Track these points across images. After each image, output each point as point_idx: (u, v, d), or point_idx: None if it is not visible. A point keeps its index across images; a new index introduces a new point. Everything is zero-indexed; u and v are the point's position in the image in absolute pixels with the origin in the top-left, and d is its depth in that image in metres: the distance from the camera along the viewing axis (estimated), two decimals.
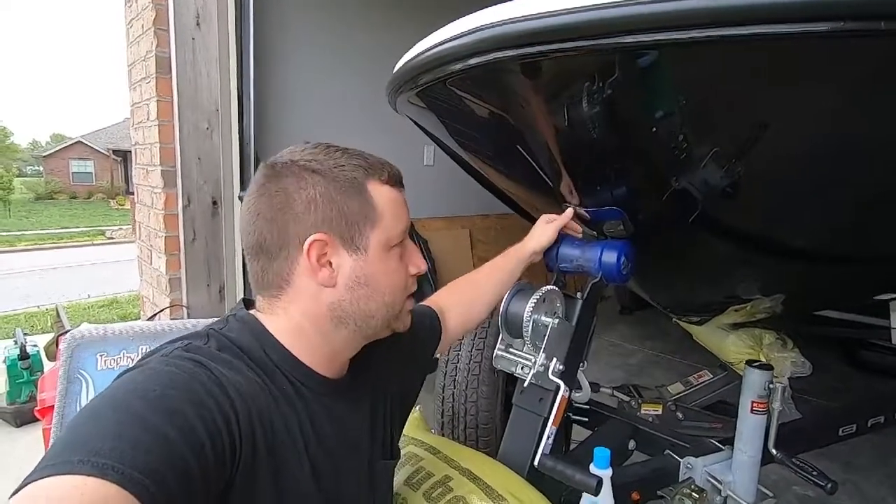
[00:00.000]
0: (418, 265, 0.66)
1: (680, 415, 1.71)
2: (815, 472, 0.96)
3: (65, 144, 27.93)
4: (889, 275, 1.39)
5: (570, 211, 1.05)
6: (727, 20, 0.63)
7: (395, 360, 0.75)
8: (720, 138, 0.88)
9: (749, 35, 0.63)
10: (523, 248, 1.01)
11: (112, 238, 13.66)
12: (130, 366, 0.52)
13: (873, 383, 2.50)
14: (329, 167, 0.59)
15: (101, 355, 1.56)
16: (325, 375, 0.62)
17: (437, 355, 1.35)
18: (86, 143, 26.89)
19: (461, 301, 0.94)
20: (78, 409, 1.50)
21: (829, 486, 0.95)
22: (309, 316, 0.60)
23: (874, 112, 0.79)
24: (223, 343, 0.57)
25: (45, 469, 0.39)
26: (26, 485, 0.38)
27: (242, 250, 0.64)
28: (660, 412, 1.71)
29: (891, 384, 2.40)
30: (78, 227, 15.67)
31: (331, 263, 0.58)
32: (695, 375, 1.92)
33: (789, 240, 1.16)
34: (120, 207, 21.69)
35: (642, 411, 1.71)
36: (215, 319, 0.65)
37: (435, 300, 0.92)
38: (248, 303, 0.65)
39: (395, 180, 0.63)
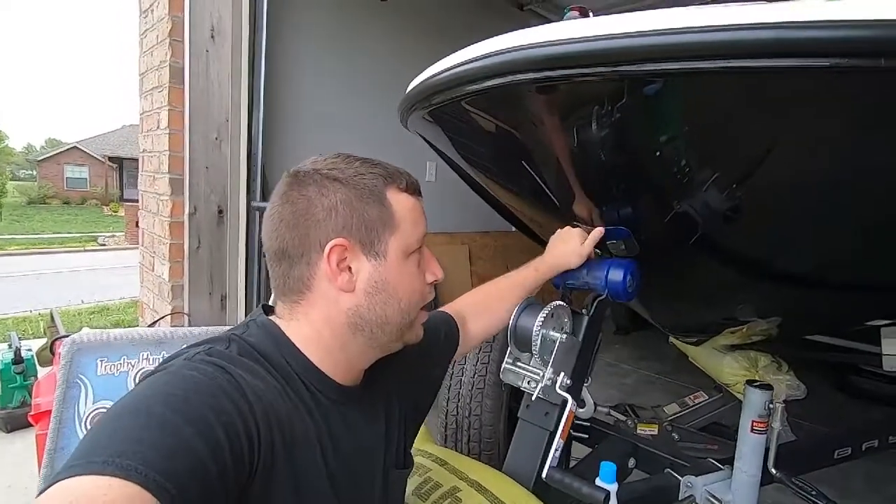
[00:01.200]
0: (435, 273, 0.66)
1: (676, 435, 1.73)
2: (814, 493, 0.98)
3: (60, 149, 27.83)
4: (880, 302, 1.43)
5: (601, 230, 1.03)
6: (730, 53, 0.66)
7: (409, 369, 0.76)
8: (720, 165, 0.92)
9: (751, 68, 0.67)
10: (553, 262, 1.02)
11: (104, 244, 13.56)
12: (152, 368, 0.53)
13: (864, 409, 2.52)
14: (350, 175, 0.61)
15: (101, 360, 1.55)
16: (342, 384, 0.63)
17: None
18: (81, 148, 26.81)
19: (484, 307, 0.95)
20: (76, 414, 1.48)
21: None
22: (328, 322, 0.61)
23: (871, 144, 0.83)
24: (244, 348, 0.58)
25: (71, 469, 0.39)
26: (52, 484, 0.39)
27: (264, 255, 0.65)
28: (656, 432, 1.73)
29: (881, 410, 2.43)
30: (70, 233, 15.53)
31: (350, 269, 0.60)
32: (690, 396, 1.94)
33: (786, 265, 1.19)
34: (113, 214, 21.56)
35: (638, 431, 1.72)
36: (228, 327, 0.66)
37: (455, 306, 0.94)
38: (268, 309, 0.66)
39: (414, 188, 0.65)
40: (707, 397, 1.92)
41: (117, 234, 14.75)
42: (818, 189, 0.94)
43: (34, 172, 28.14)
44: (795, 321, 1.56)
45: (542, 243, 1.33)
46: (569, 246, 1.02)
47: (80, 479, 0.39)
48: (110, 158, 25.92)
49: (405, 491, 0.77)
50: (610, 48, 0.71)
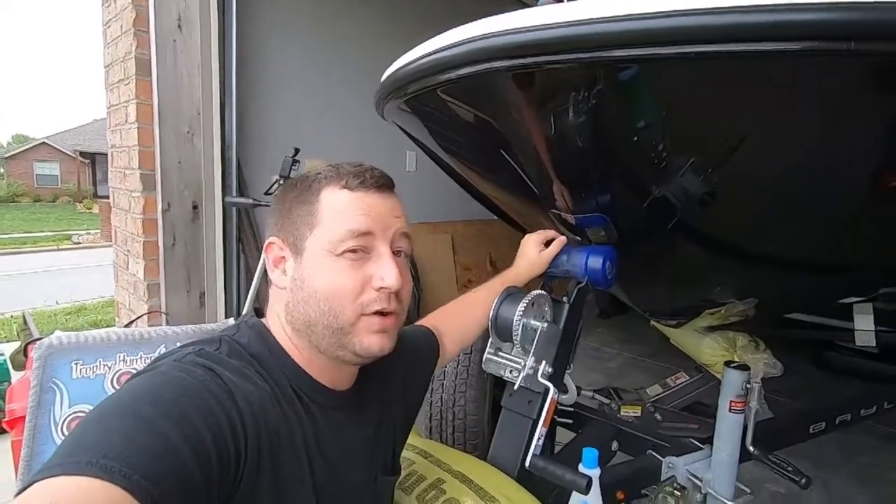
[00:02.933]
0: (383, 277, 0.59)
1: (658, 416, 1.76)
2: (790, 468, 1.01)
3: (28, 146, 26.93)
4: (852, 280, 1.46)
5: (563, 240, 1.06)
6: (702, 38, 0.66)
7: (399, 377, 0.76)
8: (695, 150, 0.92)
9: (721, 53, 0.67)
10: (515, 276, 1.03)
11: (79, 243, 13.20)
12: (142, 369, 0.52)
13: (838, 384, 2.61)
14: (303, 178, 0.63)
15: (76, 364, 1.51)
16: (331, 387, 0.63)
17: None
18: (51, 144, 25.97)
19: (457, 322, 0.95)
20: (51, 419, 1.45)
21: (804, 480, 1.00)
22: (282, 321, 0.62)
23: (841, 126, 0.84)
24: (235, 349, 0.58)
25: (53, 468, 0.39)
26: (34, 482, 0.38)
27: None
28: (639, 414, 1.76)
29: (855, 384, 2.51)
30: (42, 232, 15.09)
31: (284, 267, 0.62)
32: (672, 377, 1.97)
33: (761, 247, 1.21)
34: (87, 211, 21.00)
35: (622, 413, 1.75)
36: (210, 325, 0.65)
37: (430, 321, 0.93)
38: (259, 311, 0.67)
39: (365, 186, 0.61)
40: (688, 378, 1.96)
41: (92, 231, 14.36)
42: (790, 173, 0.96)
43: (1, 170, 27.20)
44: (771, 302, 1.59)
45: (524, 231, 1.33)
46: (528, 257, 1.04)
47: (60, 479, 0.38)
48: (82, 154, 25.15)
49: (393, 497, 0.77)
50: (583, 34, 0.70)
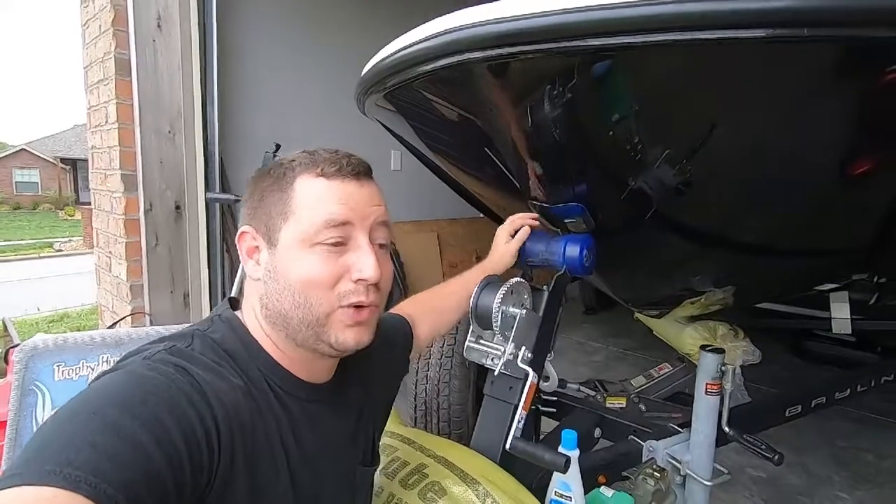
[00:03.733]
0: (361, 269, 0.57)
1: (643, 406, 1.79)
2: (762, 446, 1.04)
3: (7, 152, 26.38)
4: (825, 267, 1.51)
5: (526, 230, 1.08)
6: (671, 26, 0.68)
7: (378, 367, 0.75)
8: (669, 139, 0.95)
9: (691, 41, 0.69)
10: (491, 267, 1.05)
11: (61, 250, 12.97)
12: (109, 367, 0.50)
13: (818, 371, 2.67)
14: (277, 165, 0.61)
15: (58, 366, 1.49)
16: (308, 381, 0.61)
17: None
18: (30, 150, 25.49)
19: (431, 310, 0.95)
20: (34, 423, 1.43)
21: (776, 457, 1.02)
22: (257, 313, 0.60)
23: (808, 113, 0.87)
24: (207, 345, 0.56)
25: (13, 478, 0.37)
26: None
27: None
28: (624, 405, 1.79)
29: (833, 371, 2.58)
30: (23, 240, 14.80)
31: (258, 257, 0.59)
32: (656, 368, 2.01)
33: (737, 235, 1.25)
34: (69, 218, 20.63)
35: (607, 404, 1.78)
36: (189, 325, 0.64)
37: (404, 308, 0.92)
38: (234, 302, 0.64)
39: (342, 173, 0.59)
40: (671, 368, 1.99)
41: (74, 238, 14.12)
42: (760, 160, 0.98)
43: None
44: (748, 289, 1.63)
45: None
46: (498, 249, 1.07)
47: (24, 490, 0.36)
48: (62, 160, 24.75)
49: (372, 488, 0.76)
50: (556, 24, 0.72)
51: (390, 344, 0.81)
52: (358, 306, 0.58)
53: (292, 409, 0.59)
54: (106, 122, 1.86)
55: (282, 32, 2.55)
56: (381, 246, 0.61)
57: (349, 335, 0.58)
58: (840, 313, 1.77)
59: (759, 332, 1.99)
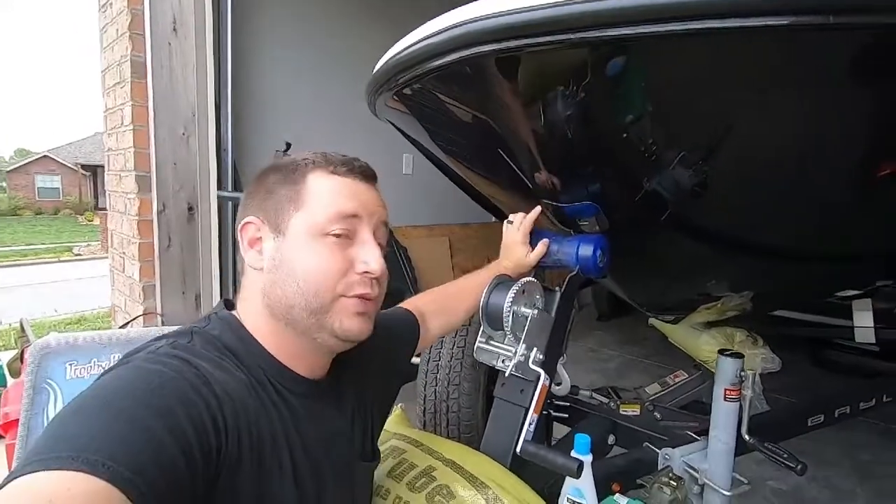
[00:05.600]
0: (367, 262, 0.59)
1: (657, 414, 1.75)
2: (785, 455, 1.00)
3: (30, 159, 27.10)
4: (847, 272, 1.46)
5: (545, 241, 1.07)
6: (685, 14, 0.66)
7: (377, 361, 0.76)
8: (686, 141, 0.92)
9: (707, 29, 0.66)
10: (509, 267, 1.04)
11: (80, 254, 13.22)
12: (113, 364, 0.51)
13: (839, 382, 2.59)
14: (288, 162, 0.63)
15: (70, 364, 1.51)
16: (305, 376, 0.62)
17: (416, 360, 1.35)
18: (52, 157, 26.14)
19: (443, 304, 0.95)
20: (45, 420, 1.44)
21: (800, 467, 0.98)
22: (256, 306, 0.61)
23: (834, 112, 0.84)
24: (208, 340, 0.57)
25: (33, 464, 0.37)
26: (12, 479, 0.37)
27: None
28: (638, 412, 1.74)
29: (855, 381, 2.49)
30: (43, 244, 15.12)
31: (262, 248, 0.61)
32: (671, 376, 1.96)
33: (756, 238, 1.21)
34: (88, 223, 21.06)
35: (621, 412, 1.74)
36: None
37: (414, 302, 0.93)
38: (230, 304, 0.65)
39: (353, 173, 0.62)
40: (687, 376, 1.94)
41: (93, 242, 14.39)
42: (782, 159, 0.95)
43: (3, 184, 27.33)
44: (768, 294, 1.59)
45: None
46: (515, 259, 1.05)
47: (41, 474, 0.37)
48: (83, 166, 25.31)
49: (372, 484, 0.76)
50: (567, 14, 0.70)
51: (392, 338, 0.81)
52: (362, 297, 0.60)
53: (292, 403, 0.60)
54: (121, 124, 1.88)
55: (295, 36, 2.58)
56: (380, 244, 0.64)
57: (354, 324, 0.60)
58: (863, 322, 1.72)
59: (777, 341, 1.94)
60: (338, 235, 0.59)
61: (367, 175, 0.64)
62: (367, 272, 0.60)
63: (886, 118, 0.86)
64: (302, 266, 0.58)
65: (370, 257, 0.60)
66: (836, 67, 0.75)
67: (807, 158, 0.95)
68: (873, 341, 1.69)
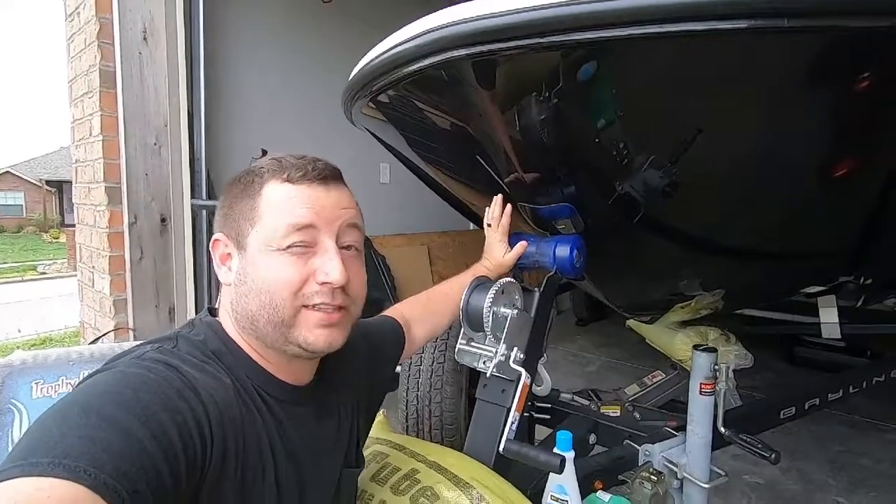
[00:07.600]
0: (326, 272, 0.57)
1: (637, 414, 1.77)
2: (759, 445, 1.02)
3: None
4: (813, 269, 1.52)
5: (523, 243, 1.09)
6: (647, 19, 0.68)
7: (362, 368, 0.76)
8: (654, 143, 0.95)
9: (674, 33, 0.69)
10: (482, 273, 1.04)
11: (45, 273, 12.72)
12: (97, 369, 0.50)
13: (809, 376, 2.68)
14: (246, 173, 0.62)
15: (36, 383, 1.44)
16: (290, 383, 0.62)
17: (399, 368, 1.34)
18: (15, 173, 25.23)
19: (427, 310, 0.96)
20: (10, 443, 1.37)
21: (773, 456, 1.01)
22: (230, 317, 0.61)
23: (791, 113, 0.88)
24: (194, 345, 0.57)
25: (12, 469, 0.37)
26: None
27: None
28: (618, 413, 1.77)
29: (823, 376, 2.58)
30: (6, 263, 14.52)
31: (230, 264, 0.61)
32: (649, 376, 1.99)
33: (723, 237, 1.25)
34: (55, 241, 20.33)
35: (601, 413, 1.76)
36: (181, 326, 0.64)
37: (398, 310, 0.93)
38: (213, 312, 0.65)
39: (307, 178, 0.59)
40: (664, 375, 1.98)
41: (59, 260, 13.89)
42: (746, 161, 0.99)
43: None
44: (738, 292, 1.63)
45: None
46: (495, 259, 1.06)
47: (20, 480, 0.36)
48: (48, 182, 24.49)
49: (356, 490, 0.76)
50: (537, 18, 0.72)
51: (377, 346, 0.81)
52: (325, 309, 0.58)
53: (276, 409, 0.59)
54: (90, 134, 1.84)
55: (269, 42, 2.56)
56: (349, 248, 0.62)
57: (319, 336, 0.58)
58: (829, 318, 1.78)
59: (750, 339, 2.00)
60: (296, 246, 0.57)
61: (325, 177, 0.60)
62: (326, 282, 0.57)
63: (842, 118, 0.90)
64: (261, 280, 0.57)
65: (330, 267, 0.57)
66: (793, 69, 0.79)
67: (767, 157, 0.98)
68: (839, 336, 1.75)
